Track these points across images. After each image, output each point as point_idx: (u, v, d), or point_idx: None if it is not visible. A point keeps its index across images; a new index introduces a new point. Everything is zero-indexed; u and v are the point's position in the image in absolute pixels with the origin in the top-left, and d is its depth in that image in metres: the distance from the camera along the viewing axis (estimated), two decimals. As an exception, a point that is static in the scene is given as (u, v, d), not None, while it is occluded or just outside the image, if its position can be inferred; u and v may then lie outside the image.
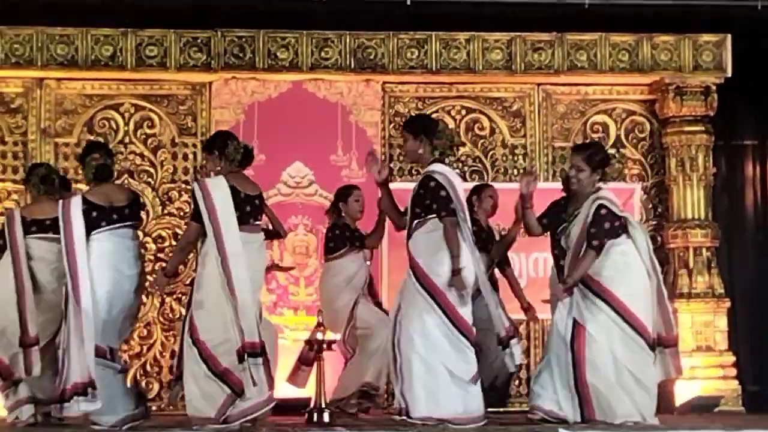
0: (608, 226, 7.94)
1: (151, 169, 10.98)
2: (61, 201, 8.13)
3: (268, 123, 10.87)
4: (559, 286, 8.05)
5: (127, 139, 11.02)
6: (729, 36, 11.08)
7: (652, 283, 8.05)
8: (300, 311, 10.71)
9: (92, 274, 7.87)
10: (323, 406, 8.85)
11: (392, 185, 10.52)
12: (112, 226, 8.03)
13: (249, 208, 7.79)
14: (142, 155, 11.00)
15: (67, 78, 10.90)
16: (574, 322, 7.88)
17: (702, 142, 11.10)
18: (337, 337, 9.14)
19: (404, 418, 7.69)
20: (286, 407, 8.88)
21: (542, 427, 7.85)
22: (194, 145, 11.01)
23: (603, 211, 7.93)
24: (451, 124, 11.14)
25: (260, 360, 7.58)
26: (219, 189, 7.68)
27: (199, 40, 10.78)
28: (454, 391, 7.67)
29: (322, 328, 9.01)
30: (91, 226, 7.94)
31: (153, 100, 11.06)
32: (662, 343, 8.17)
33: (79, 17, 10.72)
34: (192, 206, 7.92)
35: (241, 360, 7.54)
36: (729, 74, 11.09)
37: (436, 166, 7.87)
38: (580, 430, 7.61)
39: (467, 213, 7.88)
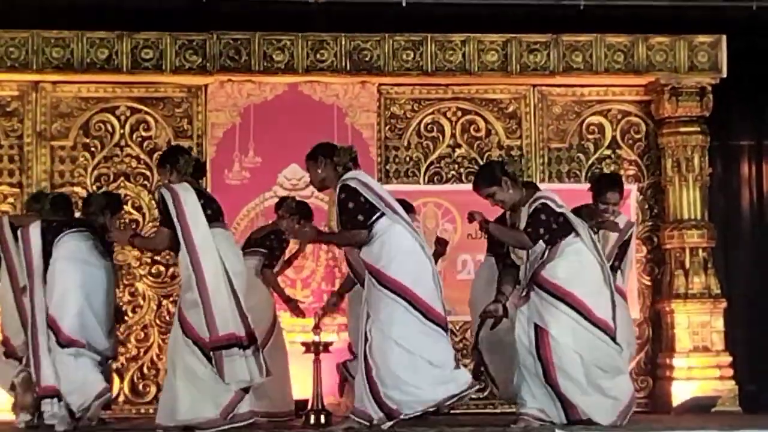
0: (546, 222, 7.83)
1: (147, 172, 10.98)
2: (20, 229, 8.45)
3: (264, 125, 10.87)
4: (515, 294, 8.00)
5: (123, 142, 11.01)
6: (724, 37, 11.09)
7: (604, 274, 8.01)
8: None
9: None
10: (320, 408, 8.86)
11: (388, 187, 10.64)
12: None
13: (216, 206, 7.91)
14: (138, 158, 11.00)
15: (62, 81, 10.90)
16: (536, 327, 7.82)
17: (698, 143, 11.11)
18: (333, 338, 9.18)
19: (391, 422, 7.61)
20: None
21: (540, 427, 7.86)
22: (190, 148, 10.96)
23: (539, 207, 7.83)
24: (447, 126, 11.15)
25: (235, 350, 7.61)
26: (184, 189, 7.79)
27: (194, 43, 10.78)
28: (440, 380, 7.59)
29: (318, 330, 9.02)
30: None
31: (149, 102, 11.06)
32: None
33: (74, 20, 10.72)
34: (161, 213, 7.91)
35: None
36: (724, 75, 11.10)
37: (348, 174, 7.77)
38: (576, 431, 7.61)
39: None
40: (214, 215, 7.84)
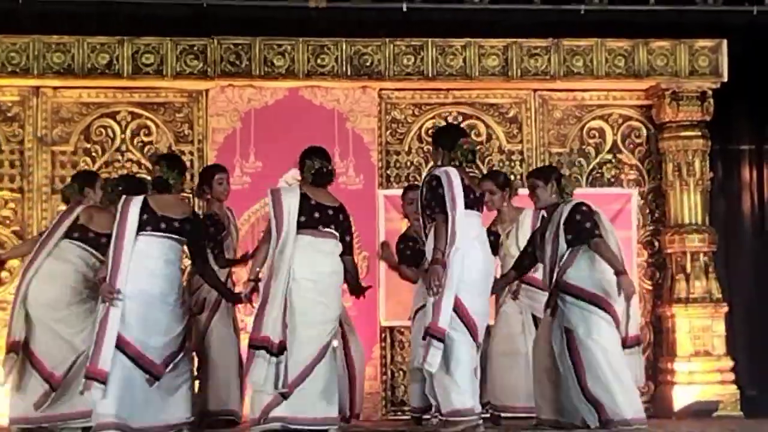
0: (589, 225, 7.92)
1: (148, 177, 10.93)
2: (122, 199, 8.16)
3: (264, 130, 10.87)
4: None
5: (123, 147, 11.02)
6: (725, 41, 11.09)
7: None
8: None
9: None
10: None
11: (389, 191, 10.67)
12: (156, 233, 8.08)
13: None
14: (138, 163, 11.00)
15: (63, 86, 10.90)
16: (566, 330, 7.85)
17: (698, 147, 11.11)
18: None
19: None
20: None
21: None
22: (191, 153, 11.02)
23: (584, 208, 7.97)
24: (448, 131, 11.15)
25: (263, 353, 7.60)
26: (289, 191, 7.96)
27: (195, 48, 10.78)
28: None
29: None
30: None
31: (149, 107, 11.06)
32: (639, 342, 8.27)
33: (75, 26, 10.73)
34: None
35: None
36: (725, 79, 11.10)
37: (439, 169, 7.84)
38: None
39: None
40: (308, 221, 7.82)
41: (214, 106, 10.96)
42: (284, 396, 7.59)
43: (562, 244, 7.90)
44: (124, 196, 8.04)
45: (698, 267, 11.02)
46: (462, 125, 11.19)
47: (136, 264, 7.80)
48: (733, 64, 11.09)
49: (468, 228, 7.68)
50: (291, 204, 7.79)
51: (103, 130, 11.02)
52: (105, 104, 11.03)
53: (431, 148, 8.28)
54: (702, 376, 10.80)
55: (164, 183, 8.06)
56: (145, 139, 11.05)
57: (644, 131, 11.44)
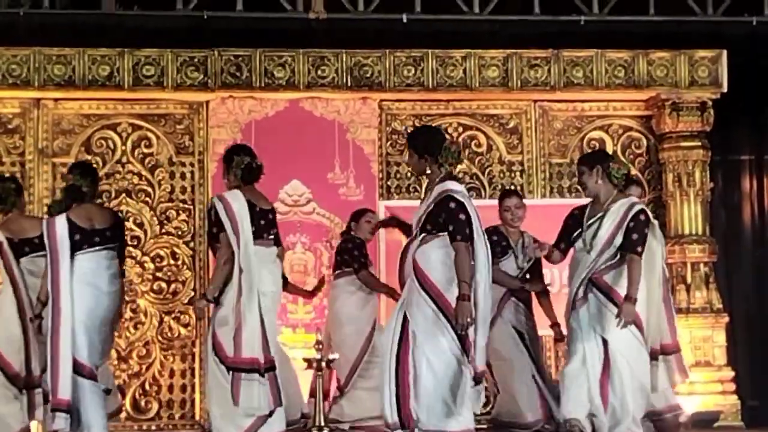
0: (646, 232, 7.97)
1: (149, 189, 10.99)
2: (45, 220, 8.16)
3: (265, 141, 10.84)
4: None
5: (124, 159, 11.02)
6: (724, 52, 11.10)
7: (661, 291, 8.21)
8: (299, 329, 10.71)
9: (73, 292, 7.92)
10: (322, 423, 8.85)
11: (390, 203, 10.67)
12: (93, 249, 8.03)
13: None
14: (139, 174, 11.00)
15: (64, 98, 10.91)
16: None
17: (699, 158, 11.12)
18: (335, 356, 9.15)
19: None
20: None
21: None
22: (192, 164, 11.03)
23: (642, 217, 7.94)
24: (449, 142, 11.14)
25: (256, 376, 7.58)
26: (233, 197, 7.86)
27: (195, 60, 10.79)
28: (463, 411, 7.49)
29: (320, 345, 9.02)
30: (73, 248, 7.95)
31: (150, 119, 11.07)
32: (667, 351, 8.38)
33: (76, 38, 10.74)
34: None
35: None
36: (725, 90, 11.11)
37: (452, 185, 7.53)
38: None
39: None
40: (258, 231, 7.81)
41: (215, 117, 10.97)
42: (270, 414, 7.61)
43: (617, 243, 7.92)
44: (45, 218, 8.05)
45: (699, 277, 11.02)
46: (462, 136, 11.24)
47: (80, 284, 7.85)
48: (733, 74, 11.10)
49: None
50: (242, 214, 7.75)
51: (103, 142, 11.02)
52: (106, 116, 11.04)
53: (407, 155, 7.84)
54: (703, 387, 10.79)
55: (78, 191, 8.07)
56: (146, 151, 11.06)
57: (644, 142, 11.45)
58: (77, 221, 7.94)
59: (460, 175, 10.92)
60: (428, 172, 7.60)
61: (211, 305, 7.88)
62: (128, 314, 10.70)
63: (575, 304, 7.93)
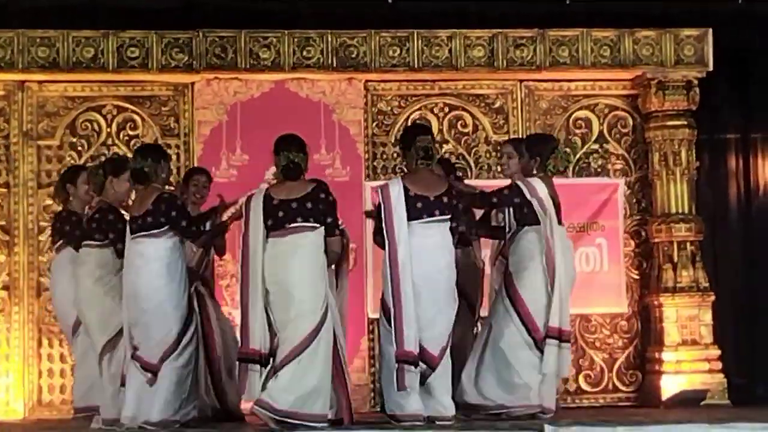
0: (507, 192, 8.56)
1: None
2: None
3: (250, 123, 10.86)
4: None
5: (109, 141, 11.00)
6: (710, 30, 11.09)
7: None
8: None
9: None
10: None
11: (375, 183, 10.65)
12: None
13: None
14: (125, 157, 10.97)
15: (48, 80, 10.88)
16: None
17: (685, 137, 11.12)
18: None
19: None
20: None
21: (528, 423, 7.89)
22: (177, 146, 11.00)
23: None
24: (434, 122, 11.14)
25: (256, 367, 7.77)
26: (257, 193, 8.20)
27: (180, 41, 10.76)
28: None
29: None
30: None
31: (135, 101, 11.04)
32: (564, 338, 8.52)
33: (60, 19, 10.70)
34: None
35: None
36: (710, 68, 11.11)
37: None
38: (566, 425, 7.62)
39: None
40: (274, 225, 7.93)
41: (200, 99, 10.95)
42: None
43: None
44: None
45: (685, 256, 11.03)
46: (448, 116, 11.23)
47: None
48: (719, 53, 11.10)
49: None
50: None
51: (88, 124, 11.00)
52: (90, 98, 11.01)
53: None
54: (689, 365, 10.82)
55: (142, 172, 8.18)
56: (131, 133, 11.03)
57: (630, 121, 11.45)
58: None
59: (446, 155, 10.97)
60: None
61: None
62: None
63: None
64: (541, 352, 8.42)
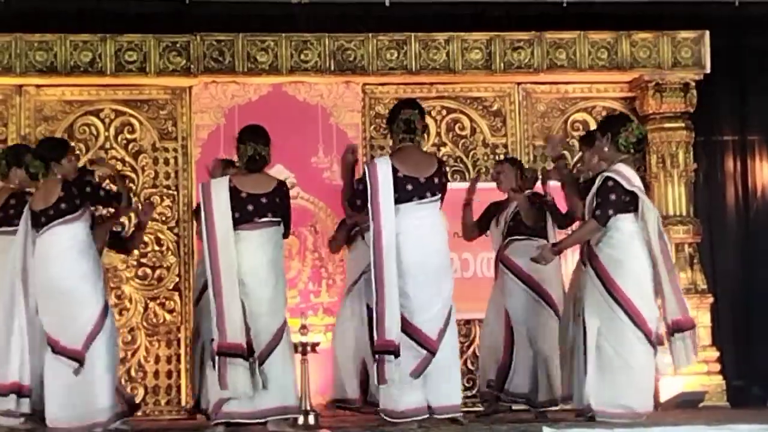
0: (614, 198, 7.95)
1: (133, 175, 10.97)
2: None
3: (248, 126, 10.85)
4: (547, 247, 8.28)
5: (107, 145, 11.01)
6: (707, 32, 11.11)
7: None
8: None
9: None
10: (308, 408, 8.86)
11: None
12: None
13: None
14: (123, 160, 10.98)
15: (46, 84, 10.88)
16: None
17: (682, 139, 11.14)
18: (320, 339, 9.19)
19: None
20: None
21: (527, 426, 7.87)
22: (175, 150, 11.01)
23: (610, 183, 7.96)
24: (432, 125, 11.14)
25: (239, 361, 7.60)
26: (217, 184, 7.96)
27: (178, 45, 10.77)
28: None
29: (305, 330, 9.03)
30: None
31: (133, 105, 11.05)
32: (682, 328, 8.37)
33: (57, 24, 10.71)
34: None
35: (212, 358, 7.72)
36: (708, 70, 11.12)
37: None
38: (565, 428, 7.62)
39: None
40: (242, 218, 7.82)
41: (198, 102, 10.95)
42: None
43: None
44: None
45: (683, 258, 11.03)
46: (446, 119, 11.23)
47: None
48: (716, 55, 11.12)
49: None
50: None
51: (86, 128, 11.00)
52: (88, 102, 11.02)
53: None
54: (687, 367, 10.80)
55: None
56: (129, 137, 11.04)
57: (628, 123, 11.44)
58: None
59: (444, 158, 10.96)
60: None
61: None
62: (113, 300, 10.69)
63: None
64: (654, 348, 8.19)
